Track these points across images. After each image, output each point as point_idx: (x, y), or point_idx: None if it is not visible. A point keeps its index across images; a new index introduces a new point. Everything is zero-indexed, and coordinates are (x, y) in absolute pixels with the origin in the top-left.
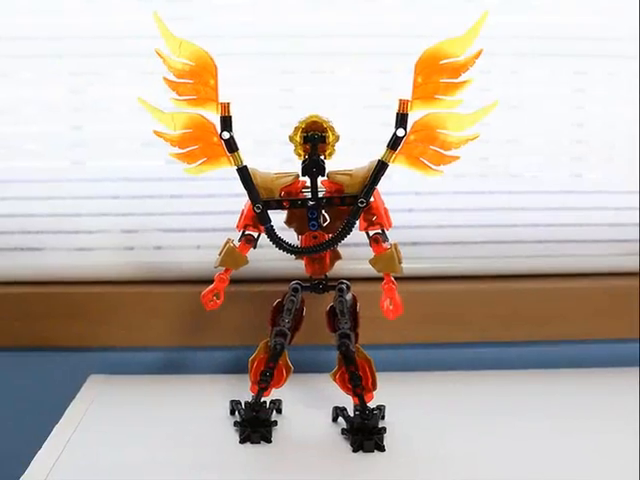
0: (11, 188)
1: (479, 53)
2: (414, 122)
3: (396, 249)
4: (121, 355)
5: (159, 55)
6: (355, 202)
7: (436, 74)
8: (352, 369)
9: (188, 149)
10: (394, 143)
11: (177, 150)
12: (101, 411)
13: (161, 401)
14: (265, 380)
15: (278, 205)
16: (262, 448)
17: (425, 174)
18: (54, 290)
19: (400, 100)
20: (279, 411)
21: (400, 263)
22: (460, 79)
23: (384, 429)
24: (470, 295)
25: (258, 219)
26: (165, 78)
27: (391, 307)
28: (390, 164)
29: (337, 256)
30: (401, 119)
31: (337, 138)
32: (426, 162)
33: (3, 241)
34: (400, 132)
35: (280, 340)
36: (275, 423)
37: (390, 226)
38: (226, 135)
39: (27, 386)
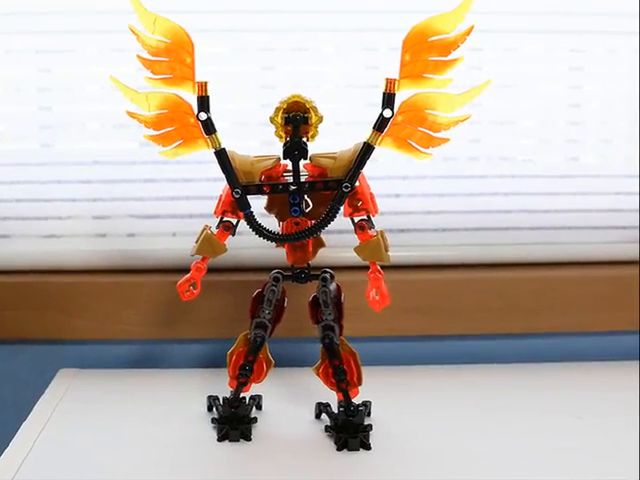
0: None
1: (470, 30)
2: (401, 102)
3: (382, 236)
4: (92, 348)
5: (132, 32)
6: (339, 187)
7: (425, 52)
8: (336, 363)
9: (163, 131)
10: (380, 124)
11: (152, 132)
12: (71, 407)
13: (135, 396)
14: (244, 375)
15: (258, 190)
16: (241, 446)
17: (413, 157)
18: (21, 280)
19: (387, 79)
20: (259, 407)
21: (387, 251)
22: (450, 57)
23: (370, 426)
24: (461, 285)
25: (237, 205)
26: (139, 56)
27: (377, 297)
28: (376, 147)
29: (320, 244)
30: (388, 99)
31: (320, 119)
32: (414, 144)
33: None
34: (387, 113)
35: (260, 332)
36: (255, 420)
37: (376, 212)
38: (203, 116)
39: None
